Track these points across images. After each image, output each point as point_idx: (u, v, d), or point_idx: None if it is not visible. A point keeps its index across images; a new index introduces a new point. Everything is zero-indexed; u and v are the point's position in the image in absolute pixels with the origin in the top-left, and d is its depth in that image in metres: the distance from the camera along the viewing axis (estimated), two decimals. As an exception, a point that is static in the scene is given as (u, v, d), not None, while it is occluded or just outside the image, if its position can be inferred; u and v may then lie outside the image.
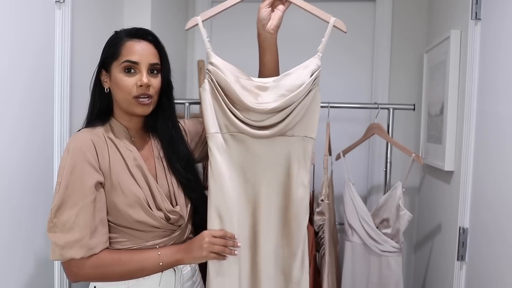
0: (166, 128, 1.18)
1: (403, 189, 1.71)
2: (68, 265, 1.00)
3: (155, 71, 1.11)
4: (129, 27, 1.14)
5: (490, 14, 1.41)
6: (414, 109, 1.94)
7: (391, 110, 1.94)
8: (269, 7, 1.17)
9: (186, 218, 1.15)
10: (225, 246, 1.09)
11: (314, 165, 1.77)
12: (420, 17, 2.28)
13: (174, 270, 1.13)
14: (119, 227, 1.07)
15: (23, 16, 1.21)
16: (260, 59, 1.23)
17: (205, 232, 1.10)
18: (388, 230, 1.75)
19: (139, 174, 1.08)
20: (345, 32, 1.16)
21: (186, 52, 2.49)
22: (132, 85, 1.06)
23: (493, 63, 1.37)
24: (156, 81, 1.10)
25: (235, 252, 1.11)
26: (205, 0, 2.46)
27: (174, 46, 2.23)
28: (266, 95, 1.12)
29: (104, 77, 1.12)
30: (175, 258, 1.06)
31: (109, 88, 1.11)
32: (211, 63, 1.12)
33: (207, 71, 1.11)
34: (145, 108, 1.09)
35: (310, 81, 1.11)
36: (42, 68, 1.31)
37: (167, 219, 1.09)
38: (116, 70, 1.07)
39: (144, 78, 1.06)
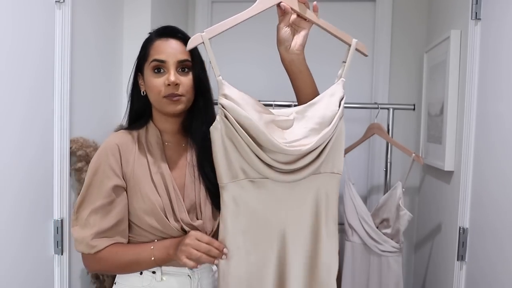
0: (199, 131, 1.09)
1: (403, 189, 1.71)
2: (82, 257, 1.06)
3: (186, 69, 1.05)
4: (159, 27, 1.10)
5: (490, 14, 1.41)
6: (414, 109, 1.94)
7: (391, 110, 1.94)
8: (287, 27, 1.02)
9: (210, 233, 1.07)
10: (207, 254, 0.98)
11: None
12: (420, 17, 2.28)
13: (190, 276, 1.07)
14: (140, 230, 1.06)
15: (23, 16, 1.21)
16: (294, 86, 1.09)
17: (191, 233, 1.01)
18: (388, 230, 1.75)
19: (161, 181, 1.04)
20: (366, 56, 1.07)
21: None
22: (161, 85, 1.03)
23: (493, 63, 1.37)
24: (186, 79, 1.04)
25: (215, 261, 0.99)
26: (205, 0, 2.47)
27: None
28: (293, 131, 0.98)
29: (141, 81, 1.11)
30: (166, 253, 1.01)
31: (145, 90, 1.09)
32: (224, 96, 0.94)
33: (220, 106, 0.94)
34: (176, 106, 1.04)
35: (340, 111, 0.98)
36: (42, 68, 1.31)
37: (184, 231, 1.04)
38: (147, 71, 1.06)
39: (172, 76, 1.01)
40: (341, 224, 2.03)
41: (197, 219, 1.07)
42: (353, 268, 1.83)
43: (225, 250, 0.99)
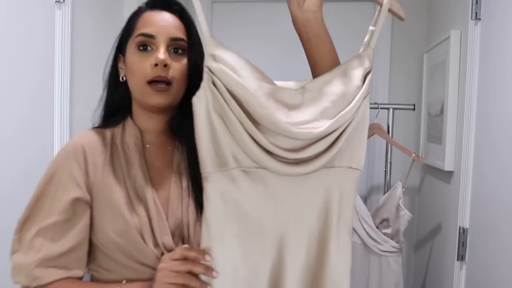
0: (191, 132, 0.80)
1: (403, 189, 1.71)
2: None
3: (179, 51, 0.83)
4: None
5: (490, 14, 1.41)
6: (414, 109, 1.94)
7: (391, 110, 1.94)
8: None
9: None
10: (190, 272, 0.75)
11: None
12: (420, 17, 2.28)
13: None
14: (108, 259, 0.82)
15: (23, 16, 1.21)
16: (308, 56, 0.84)
17: (163, 257, 0.77)
18: (388, 230, 1.75)
19: (138, 194, 0.81)
20: (403, 19, 0.84)
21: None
22: (146, 66, 0.80)
23: (493, 63, 1.37)
24: (179, 64, 0.82)
25: (214, 273, 0.75)
26: (205, 0, 2.47)
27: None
28: (302, 109, 0.74)
29: (121, 64, 0.88)
30: None
31: (125, 76, 0.86)
32: (213, 57, 0.71)
33: (207, 69, 0.71)
34: (161, 97, 0.81)
35: (365, 87, 0.76)
36: (42, 68, 1.31)
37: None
38: (130, 49, 0.83)
39: (161, 53, 0.79)
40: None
41: (184, 243, 0.83)
42: (353, 268, 1.82)
43: (207, 257, 0.75)
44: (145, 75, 0.81)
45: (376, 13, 0.80)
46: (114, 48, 0.90)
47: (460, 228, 1.51)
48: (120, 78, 0.88)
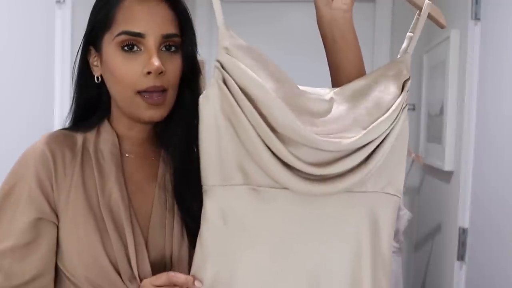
0: (181, 138, 0.71)
1: (403, 189, 1.71)
2: None
3: (172, 48, 0.68)
4: None
5: (489, 14, 1.41)
6: (414, 109, 1.94)
7: (391, 110, 1.94)
8: None
9: None
10: None
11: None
12: (420, 17, 2.28)
13: None
14: (74, 284, 0.67)
15: (24, 16, 1.21)
16: (331, 61, 0.73)
17: (144, 283, 0.64)
18: (388, 230, 1.75)
19: (112, 215, 0.66)
20: (444, 27, 0.76)
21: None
22: (135, 73, 0.65)
23: (493, 63, 1.37)
24: (173, 65, 0.68)
25: None
26: (205, 0, 2.47)
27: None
28: (330, 118, 0.62)
29: (93, 59, 0.71)
30: None
31: (101, 75, 0.71)
32: (226, 50, 0.60)
33: (217, 64, 0.60)
34: (156, 111, 0.67)
35: (403, 96, 0.65)
36: (43, 68, 1.31)
37: None
38: (110, 47, 0.67)
39: (155, 60, 0.64)
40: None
41: None
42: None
43: (197, 283, 0.62)
44: (134, 84, 0.66)
45: (414, 18, 0.73)
46: (83, 39, 0.73)
47: (460, 228, 1.51)
48: (95, 79, 0.71)
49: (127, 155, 0.73)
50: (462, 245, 1.50)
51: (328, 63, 0.74)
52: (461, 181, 1.52)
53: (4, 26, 1.14)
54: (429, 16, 0.72)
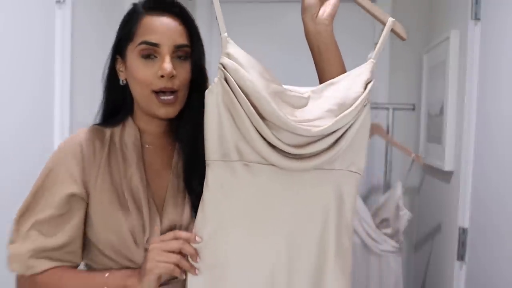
0: (191, 134, 0.85)
1: (403, 189, 1.71)
2: (16, 280, 0.85)
3: (182, 57, 0.83)
4: None
5: (489, 15, 1.41)
6: (414, 109, 1.94)
7: (391, 110, 1.94)
8: None
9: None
10: (180, 253, 0.77)
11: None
12: (420, 17, 2.28)
13: None
14: (100, 254, 0.83)
15: (24, 16, 1.21)
16: (318, 67, 0.89)
17: (154, 239, 0.80)
18: (388, 230, 1.75)
19: (133, 194, 0.82)
20: (404, 39, 0.91)
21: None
22: (152, 76, 0.80)
23: (492, 63, 1.37)
24: (183, 70, 0.83)
25: (196, 270, 0.77)
26: (205, 0, 2.47)
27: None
28: (306, 109, 0.79)
29: (119, 66, 0.87)
30: (123, 284, 0.78)
31: (125, 79, 0.87)
32: (227, 55, 0.76)
33: (220, 66, 0.76)
34: (169, 109, 0.83)
35: (365, 94, 0.80)
36: (43, 68, 1.31)
37: None
38: (132, 55, 0.83)
39: (167, 65, 0.80)
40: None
41: None
42: (353, 268, 1.83)
43: (197, 239, 0.77)
44: (150, 84, 0.81)
45: (380, 30, 0.88)
46: (112, 49, 0.89)
47: (460, 228, 1.51)
48: (120, 82, 0.88)
49: (147, 146, 0.89)
50: (462, 245, 1.50)
51: (316, 69, 0.90)
52: (461, 181, 1.52)
53: (4, 26, 1.14)
54: (392, 30, 0.88)
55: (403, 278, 1.78)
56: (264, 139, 0.76)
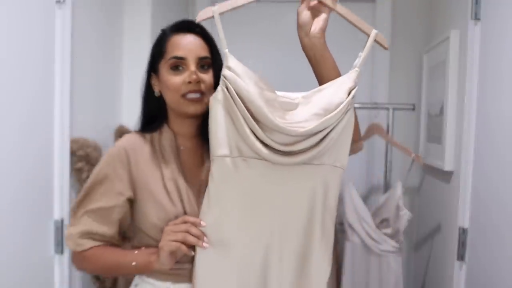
0: None
1: (403, 189, 1.71)
2: (71, 255, 1.06)
3: (205, 66, 1.01)
4: (174, 21, 1.05)
5: (490, 14, 1.41)
6: (414, 109, 1.94)
7: (390, 110, 1.94)
8: (307, 10, 1.00)
9: None
10: (188, 232, 0.93)
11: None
12: (420, 17, 2.28)
13: None
14: (149, 238, 1.00)
15: (24, 16, 1.21)
16: (316, 73, 1.04)
17: (169, 223, 0.97)
18: (388, 230, 1.75)
19: (174, 189, 0.99)
20: (386, 48, 1.02)
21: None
22: (180, 83, 0.98)
23: (493, 63, 1.37)
24: (207, 77, 1.00)
25: (204, 244, 0.93)
26: (205, 0, 2.47)
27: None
28: (296, 113, 0.93)
29: (154, 80, 1.05)
30: (147, 260, 0.96)
31: (160, 91, 1.04)
32: (228, 68, 0.91)
33: (222, 77, 0.92)
34: (196, 105, 0.99)
35: (348, 100, 0.92)
36: (43, 68, 1.31)
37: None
38: (164, 69, 1.00)
39: (193, 73, 0.97)
40: (341, 224, 2.04)
41: None
42: (353, 268, 1.83)
43: (202, 223, 0.93)
44: (179, 90, 0.99)
45: (365, 42, 0.98)
46: (147, 67, 1.06)
47: (460, 228, 1.51)
48: (155, 94, 1.05)
49: (182, 147, 1.05)
50: (462, 245, 1.51)
51: (315, 75, 1.04)
52: (461, 181, 1.52)
53: (4, 26, 1.14)
54: (376, 41, 0.98)
55: (403, 278, 1.78)
56: (259, 138, 0.90)
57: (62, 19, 1.36)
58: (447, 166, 1.66)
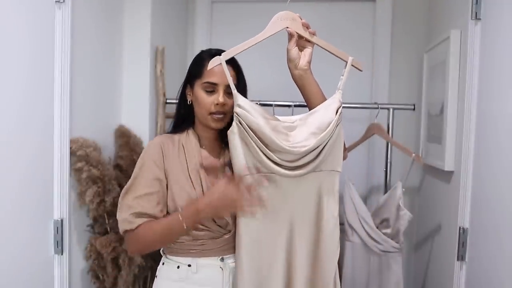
0: None
1: (403, 189, 1.71)
2: (125, 240, 1.21)
3: (229, 92, 1.19)
4: (212, 48, 1.28)
5: (490, 14, 1.41)
6: (414, 109, 1.94)
7: (391, 110, 1.94)
8: (296, 46, 1.21)
9: (234, 230, 1.21)
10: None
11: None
12: (420, 17, 2.28)
13: (222, 268, 1.20)
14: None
15: (24, 16, 1.21)
16: (304, 96, 1.26)
17: (220, 182, 1.16)
18: (388, 230, 1.75)
19: (197, 177, 1.20)
20: (361, 71, 1.23)
21: (186, 52, 2.49)
22: (210, 103, 1.20)
23: (493, 63, 1.37)
24: (230, 101, 1.21)
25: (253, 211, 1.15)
26: (205, 0, 2.47)
27: (175, 45, 2.23)
28: (296, 134, 1.16)
29: (188, 91, 1.28)
30: (195, 208, 1.13)
31: (191, 100, 1.27)
32: (239, 106, 1.14)
33: (235, 114, 1.14)
34: (218, 123, 1.22)
35: (337, 118, 1.15)
36: (42, 68, 1.31)
37: (214, 221, 1.19)
38: (198, 87, 1.22)
39: (221, 98, 1.19)
40: (341, 224, 2.04)
41: None
42: (353, 268, 1.83)
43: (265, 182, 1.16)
44: (209, 109, 1.21)
45: (344, 67, 1.21)
46: (185, 80, 1.28)
47: (460, 228, 1.51)
48: (188, 102, 1.28)
49: (203, 147, 1.28)
50: (462, 245, 1.50)
51: (304, 99, 1.26)
52: (461, 181, 1.52)
53: (4, 26, 1.14)
54: (352, 65, 1.21)
55: (403, 278, 1.78)
56: (270, 159, 1.13)
57: (62, 19, 1.36)
58: (447, 166, 1.66)
